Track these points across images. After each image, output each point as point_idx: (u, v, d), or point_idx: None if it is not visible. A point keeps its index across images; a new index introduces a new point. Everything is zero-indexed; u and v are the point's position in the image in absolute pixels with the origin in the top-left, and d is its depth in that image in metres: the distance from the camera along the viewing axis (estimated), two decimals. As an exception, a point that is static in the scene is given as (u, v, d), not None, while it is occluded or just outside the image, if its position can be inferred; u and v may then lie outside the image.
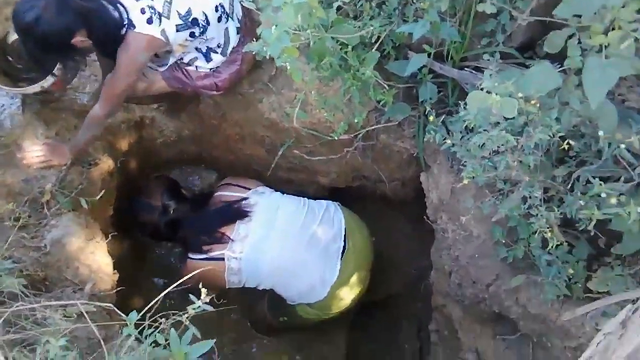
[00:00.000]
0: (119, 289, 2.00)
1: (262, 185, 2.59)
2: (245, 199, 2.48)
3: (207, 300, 1.49)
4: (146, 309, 1.41)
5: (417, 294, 2.89)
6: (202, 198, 2.66)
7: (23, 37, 1.92)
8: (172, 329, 1.45)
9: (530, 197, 1.53)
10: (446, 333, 2.35)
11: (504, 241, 1.86)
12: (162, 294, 1.51)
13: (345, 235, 2.45)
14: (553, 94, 1.49)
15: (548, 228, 1.51)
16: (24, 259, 1.84)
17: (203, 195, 2.73)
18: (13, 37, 2.26)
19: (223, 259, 2.36)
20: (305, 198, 2.54)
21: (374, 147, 2.38)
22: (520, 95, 1.31)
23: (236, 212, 2.43)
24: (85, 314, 1.53)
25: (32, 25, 1.82)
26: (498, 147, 1.41)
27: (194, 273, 1.63)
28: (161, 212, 2.54)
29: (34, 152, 2.15)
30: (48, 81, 2.08)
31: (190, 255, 2.43)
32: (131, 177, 2.82)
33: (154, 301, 1.43)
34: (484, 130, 1.40)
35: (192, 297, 1.55)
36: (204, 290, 1.49)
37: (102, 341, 1.39)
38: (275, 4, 1.49)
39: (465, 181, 1.58)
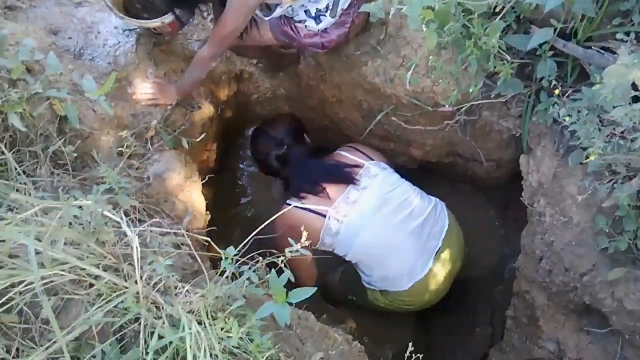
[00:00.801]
0: (210, 228, 2.06)
1: (385, 162, 2.55)
2: (362, 166, 2.43)
3: (307, 244, 1.51)
4: (242, 245, 1.44)
5: (495, 279, 2.83)
6: (319, 149, 2.64)
7: None
8: (272, 269, 1.47)
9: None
10: (524, 320, 2.29)
11: (607, 231, 1.78)
12: (254, 233, 1.54)
13: (444, 239, 2.41)
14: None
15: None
16: (128, 187, 1.92)
17: (322, 147, 2.69)
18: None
19: (324, 216, 2.33)
20: (418, 188, 2.48)
21: (475, 123, 2.32)
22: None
23: (344, 175, 2.40)
24: (189, 242, 1.59)
25: None
26: (634, 124, 1.34)
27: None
28: (276, 144, 2.56)
29: (143, 89, 2.23)
30: (168, 18, 2.14)
31: (289, 202, 2.41)
32: (226, 128, 2.90)
33: (251, 236, 1.46)
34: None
35: (290, 240, 1.59)
36: (304, 233, 1.51)
37: (203, 268, 1.44)
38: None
39: (592, 157, 1.51)
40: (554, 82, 1.73)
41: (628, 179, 1.69)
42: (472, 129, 2.36)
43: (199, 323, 1.31)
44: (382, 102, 2.44)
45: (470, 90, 1.93)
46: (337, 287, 2.80)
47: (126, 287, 1.30)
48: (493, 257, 2.89)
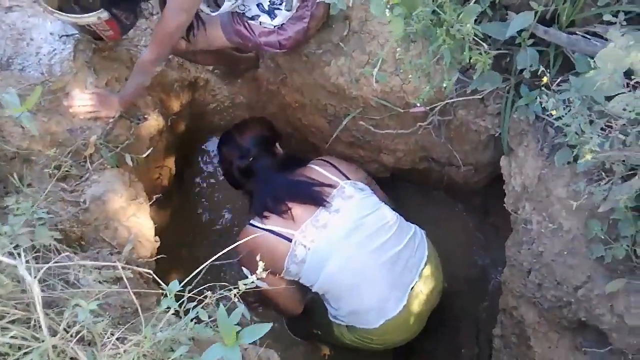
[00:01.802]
0: (159, 256, 1.83)
1: (364, 183, 2.30)
2: (335, 186, 2.18)
3: (264, 275, 1.29)
4: (188, 279, 1.22)
5: (479, 293, 2.64)
6: (290, 161, 2.37)
7: None
8: (221, 305, 1.25)
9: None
10: (514, 339, 2.09)
11: (602, 237, 1.59)
12: (208, 263, 1.32)
13: (420, 272, 2.16)
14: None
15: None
16: (60, 214, 1.68)
17: (294, 159, 2.42)
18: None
19: (290, 240, 2.09)
20: (397, 213, 2.24)
21: (450, 124, 2.13)
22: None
23: (312, 195, 2.14)
24: (125, 278, 1.35)
25: None
26: (637, 115, 1.15)
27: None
28: (241, 154, 2.32)
29: (81, 100, 1.99)
30: (104, 12, 1.90)
31: (253, 222, 2.18)
32: (181, 141, 2.66)
33: (196, 270, 1.23)
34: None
35: (245, 270, 1.37)
36: (260, 263, 1.29)
37: (139, 309, 1.21)
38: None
39: (588, 156, 1.32)
40: (541, 69, 1.53)
41: (623, 179, 1.51)
42: (447, 130, 2.17)
43: (131, 379, 1.07)
44: (348, 105, 2.23)
45: (444, 86, 1.73)
46: (301, 319, 2.53)
47: (39, 341, 1.07)
48: (474, 268, 2.70)
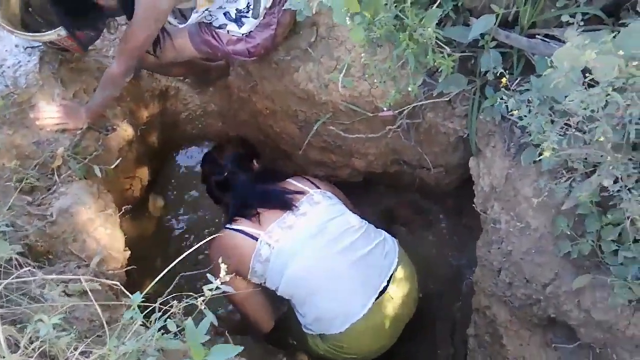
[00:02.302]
0: (130, 267, 1.82)
1: (334, 195, 2.32)
2: (305, 193, 2.23)
3: (227, 279, 1.28)
4: (150, 286, 1.21)
5: (454, 294, 2.65)
6: (266, 175, 2.41)
7: None
8: (190, 319, 1.24)
9: (620, 179, 1.28)
10: (487, 338, 2.11)
11: (568, 233, 1.61)
12: (168, 269, 1.31)
13: (391, 277, 2.15)
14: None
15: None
16: (26, 228, 1.66)
17: (270, 172, 2.50)
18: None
19: (256, 239, 2.11)
20: (366, 221, 2.26)
21: (419, 127, 2.15)
22: (620, 52, 1.07)
23: (283, 201, 2.19)
24: (89, 292, 1.34)
25: None
26: (591, 112, 1.17)
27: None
28: (218, 170, 2.40)
29: (48, 113, 1.99)
30: (62, 31, 1.89)
31: (227, 225, 2.22)
32: (153, 151, 2.65)
33: (159, 276, 1.23)
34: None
35: (209, 276, 1.36)
36: (223, 267, 1.29)
37: (104, 322, 1.19)
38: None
39: (547, 153, 1.34)
40: (500, 71, 1.55)
41: (586, 175, 1.54)
42: (417, 133, 2.18)
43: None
44: (318, 110, 2.24)
45: (410, 89, 1.74)
46: (277, 329, 2.48)
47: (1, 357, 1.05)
48: (449, 269, 2.72)
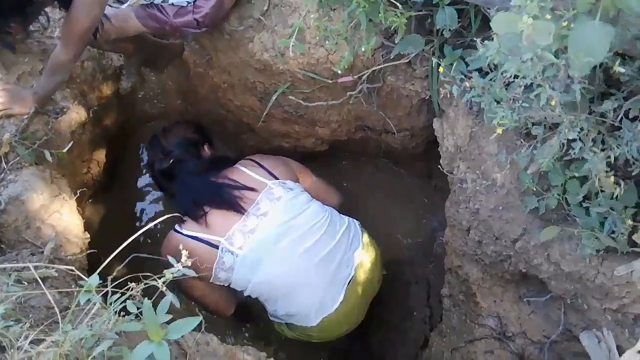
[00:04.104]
0: (90, 251, 1.75)
1: (292, 180, 2.21)
2: (258, 190, 2.10)
3: (189, 263, 1.24)
4: (101, 267, 1.16)
5: (427, 256, 2.64)
6: (216, 162, 2.27)
7: None
8: (146, 299, 1.19)
9: (579, 139, 1.26)
10: (461, 297, 2.10)
11: (534, 189, 1.60)
12: (118, 250, 1.26)
13: (357, 265, 2.13)
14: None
15: (606, 171, 1.25)
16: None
17: (220, 160, 2.32)
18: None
19: (217, 247, 2.01)
20: (329, 207, 2.20)
21: (380, 91, 2.10)
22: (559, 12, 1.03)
23: (230, 200, 2.05)
24: (39, 280, 1.28)
25: None
26: (533, 79, 1.14)
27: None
28: (163, 156, 2.26)
29: (-9, 98, 1.88)
30: None
31: (177, 228, 2.08)
32: (112, 132, 2.56)
33: (110, 257, 1.17)
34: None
35: (170, 259, 1.31)
36: (184, 252, 1.24)
37: (56, 309, 1.14)
38: None
39: (499, 130, 1.32)
40: (449, 37, 1.51)
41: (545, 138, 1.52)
42: (378, 97, 2.14)
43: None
44: (277, 81, 2.18)
45: (363, 50, 1.68)
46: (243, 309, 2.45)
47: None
48: (422, 232, 2.70)
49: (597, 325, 1.58)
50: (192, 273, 1.25)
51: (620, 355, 1.44)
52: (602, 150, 1.28)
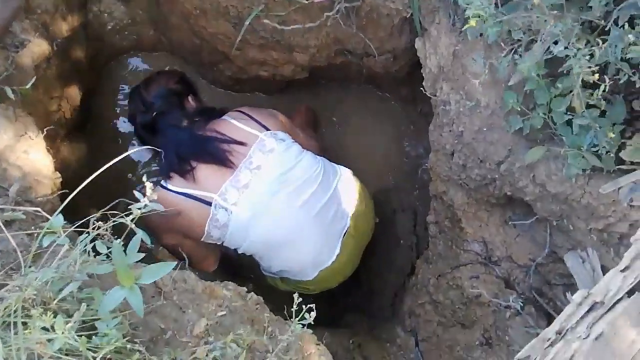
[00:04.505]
0: (62, 191, 1.69)
1: (283, 131, 2.09)
2: (248, 145, 1.98)
3: (155, 197, 1.18)
4: (64, 204, 1.10)
5: (413, 183, 2.61)
6: (202, 115, 2.14)
7: None
8: (117, 240, 1.14)
9: (562, 37, 1.18)
10: (447, 223, 2.08)
11: (518, 109, 1.53)
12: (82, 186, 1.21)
13: (352, 214, 2.08)
14: None
15: (590, 68, 1.17)
16: None
17: (207, 111, 2.18)
18: None
19: (209, 204, 1.91)
20: (321, 158, 2.10)
21: (359, 11, 1.99)
22: None
23: (218, 154, 1.93)
24: (0, 224, 1.22)
25: None
26: None
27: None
28: (144, 108, 2.13)
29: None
30: None
31: (164, 184, 1.96)
32: (80, 67, 2.44)
33: (75, 191, 1.11)
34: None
35: (136, 193, 1.25)
36: (148, 185, 1.18)
37: (18, 250, 1.09)
38: None
39: (472, 22, 1.23)
40: None
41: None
42: (358, 18, 2.03)
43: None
44: (250, 3, 2.05)
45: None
46: (233, 261, 2.39)
47: None
48: (407, 159, 2.65)
49: (583, 246, 1.56)
50: (159, 207, 1.20)
51: (604, 275, 1.42)
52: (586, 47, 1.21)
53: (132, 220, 1.19)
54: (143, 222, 1.27)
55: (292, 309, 1.19)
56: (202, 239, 1.97)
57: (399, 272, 2.44)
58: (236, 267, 2.45)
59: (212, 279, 1.49)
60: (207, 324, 1.32)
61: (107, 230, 1.22)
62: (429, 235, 2.20)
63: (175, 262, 1.15)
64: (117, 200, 1.36)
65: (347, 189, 2.11)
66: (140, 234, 1.19)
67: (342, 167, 2.18)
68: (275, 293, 2.24)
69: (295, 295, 1.19)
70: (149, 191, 1.15)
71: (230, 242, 1.99)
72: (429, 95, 1.88)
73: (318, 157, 2.11)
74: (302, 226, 1.97)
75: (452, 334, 1.96)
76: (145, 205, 1.18)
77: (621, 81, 1.26)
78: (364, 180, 2.24)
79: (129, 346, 1.07)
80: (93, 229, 1.20)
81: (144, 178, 1.17)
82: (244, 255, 2.08)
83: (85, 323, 1.08)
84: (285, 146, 2.01)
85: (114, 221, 1.22)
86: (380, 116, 2.70)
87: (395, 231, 2.52)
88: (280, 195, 1.93)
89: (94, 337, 1.05)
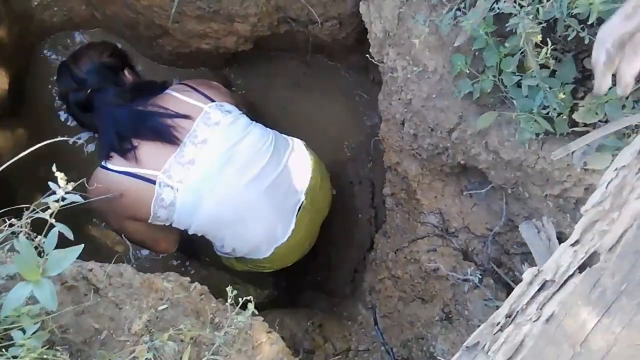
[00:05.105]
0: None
1: (230, 103, 1.97)
2: (192, 118, 1.86)
3: (70, 188, 1.07)
4: None
5: (369, 155, 2.53)
6: (142, 89, 1.99)
7: None
8: (22, 235, 1.03)
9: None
10: (403, 195, 2.01)
11: (467, 72, 1.45)
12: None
13: (307, 188, 1.98)
14: None
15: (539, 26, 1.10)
16: None
17: (146, 86, 2.05)
18: None
19: (154, 182, 1.78)
20: (271, 130, 1.98)
21: (299, -25, 1.87)
22: None
23: (160, 130, 1.81)
24: None
25: None
26: None
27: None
28: (77, 85, 1.95)
29: None
30: None
31: (104, 164, 1.83)
32: (5, 48, 2.26)
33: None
34: None
35: (51, 185, 1.13)
36: (60, 175, 1.06)
37: None
38: None
39: None
40: None
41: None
42: (298, -18, 1.91)
43: None
44: (183, -29, 1.92)
45: None
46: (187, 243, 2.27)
47: None
48: (362, 130, 2.57)
49: (539, 214, 1.51)
50: (79, 199, 1.09)
51: (560, 244, 1.38)
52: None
53: (50, 215, 1.08)
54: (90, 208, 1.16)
55: (228, 303, 1.10)
56: (149, 221, 1.86)
57: (359, 247, 2.37)
58: (197, 248, 2.36)
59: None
60: (147, 320, 1.23)
61: (24, 226, 1.11)
62: (386, 208, 2.13)
63: (82, 247, 1.03)
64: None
65: (300, 161, 2.01)
66: (58, 227, 1.08)
67: (294, 138, 2.08)
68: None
69: (229, 289, 1.10)
70: (62, 182, 1.04)
71: (179, 222, 1.88)
72: (376, 62, 1.78)
73: (268, 129, 2.00)
74: (253, 202, 1.87)
75: (413, 309, 1.90)
76: (63, 198, 1.07)
77: (569, 38, 1.19)
78: (318, 152, 2.15)
79: (50, 356, 0.97)
80: (10, 225, 1.09)
81: (54, 168, 1.05)
82: (196, 236, 1.98)
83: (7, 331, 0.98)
84: (232, 118, 1.90)
85: (29, 216, 1.10)
86: (332, 86, 2.60)
87: (353, 205, 2.45)
88: (228, 170, 1.83)
89: (10, 348, 0.95)
